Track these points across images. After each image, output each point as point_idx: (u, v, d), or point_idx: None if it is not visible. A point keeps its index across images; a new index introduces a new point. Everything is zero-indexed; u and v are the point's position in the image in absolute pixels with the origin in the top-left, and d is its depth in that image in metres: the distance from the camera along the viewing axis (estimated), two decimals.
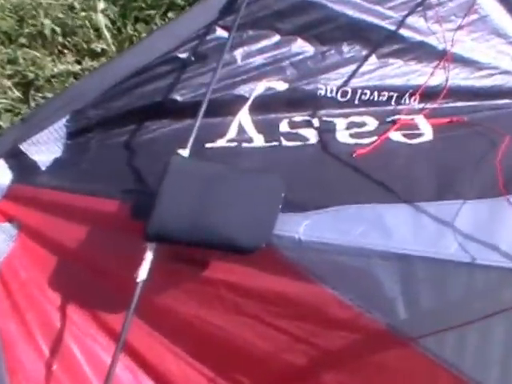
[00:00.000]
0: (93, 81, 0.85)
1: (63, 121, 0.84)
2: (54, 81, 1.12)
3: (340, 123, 0.83)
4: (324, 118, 0.83)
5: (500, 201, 0.66)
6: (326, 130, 0.82)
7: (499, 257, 0.62)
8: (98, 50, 1.10)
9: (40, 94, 1.13)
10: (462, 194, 0.69)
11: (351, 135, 0.82)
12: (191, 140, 0.71)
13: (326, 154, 0.80)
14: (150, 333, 0.75)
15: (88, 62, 1.12)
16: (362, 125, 0.83)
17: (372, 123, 0.83)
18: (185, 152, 0.71)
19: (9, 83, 1.14)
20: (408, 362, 0.66)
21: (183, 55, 0.83)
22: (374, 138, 0.81)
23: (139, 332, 0.72)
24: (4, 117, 1.11)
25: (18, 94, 1.14)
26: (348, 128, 0.82)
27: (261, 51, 0.85)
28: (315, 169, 0.78)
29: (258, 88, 0.83)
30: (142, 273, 0.65)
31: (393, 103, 0.85)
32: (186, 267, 0.71)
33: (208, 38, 0.84)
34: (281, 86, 0.83)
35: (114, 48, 1.10)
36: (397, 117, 0.83)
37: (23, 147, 0.83)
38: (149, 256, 0.66)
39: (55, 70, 1.13)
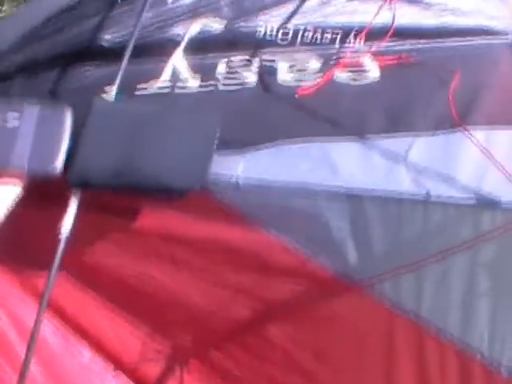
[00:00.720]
0: (11, 24, 0.76)
1: None
2: None
3: (281, 63, 0.77)
4: (264, 58, 0.77)
5: (454, 133, 0.59)
6: (267, 72, 0.76)
7: (456, 192, 0.55)
8: None
9: None
10: (414, 126, 0.64)
11: (293, 77, 0.75)
12: (117, 83, 0.66)
13: (267, 95, 0.74)
14: (81, 291, 0.69)
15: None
16: (305, 66, 0.76)
17: (315, 63, 0.77)
18: (109, 96, 0.65)
19: None
20: (361, 310, 0.61)
21: None
22: (317, 77, 0.75)
23: (68, 291, 0.67)
24: None
25: None
26: (290, 69, 0.76)
27: None
28: (255, 110, 0.72)
29: (192, 29, 0.75)
30: (66, 226, 0.58)
31: (337, 44, 0.78)
32: (116, 218, 0.66)
33: None
34: (216, 25, 0.76)
35: None
36: (341, 56, 0.77)
37: None
38: (73, 206, 0.59)
39: None
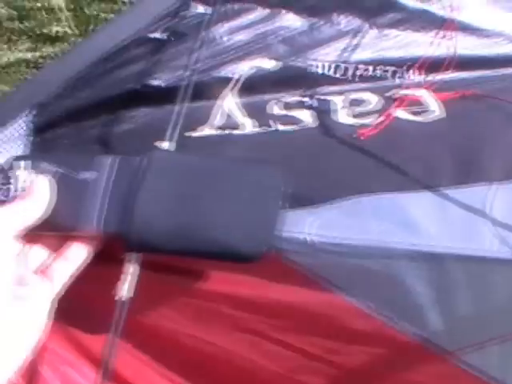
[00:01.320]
0: (56, 69, 0.73)
1: (28, 116, 0.72)
2: (12, 71, 0.97)
3: (338, 101, 0.73)
4: (319, 97, 0.73)
5: None
6: (323, 111, 0.72)
7: None
8: (58, 34, 0.95)
9: None
10: (489, 173, 0.60)
11: (352, 115, 0.72)
12: (170, 129, 0.62)
13: (327, 137, 0.69)
14: (137, 356, 0.64)
15: (48, 49, 0.97)
16: (362, 102, 0.73)
17: (372, 100, 0.73)
18: (165, 144, 0.61)
19: None
20: (443, 378, 0.56)
21: (157, 35, 0.72)
22: (377, 116, 0.71)
23: (124, 355, 0.62)
24: None
25: None
26: (347, 107, 0.72)
27: (245, 27, 0.74)
28: (317, 155, 0.67)
29: (244, 68, 0.72)
30: (124, 289, 0.54)
31: (392, 77, 0.75)
32: (176, 279, 0.61)
33: (183, 14, 0.73)
34: (269, 64, 0.73)
35: (76, 31, 0.96)
36: (399, 92, 0.73)
37: None
38: (130, 269, 0.55)
39: (11, 58, 0.98)
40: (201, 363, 0.62)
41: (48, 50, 1.00)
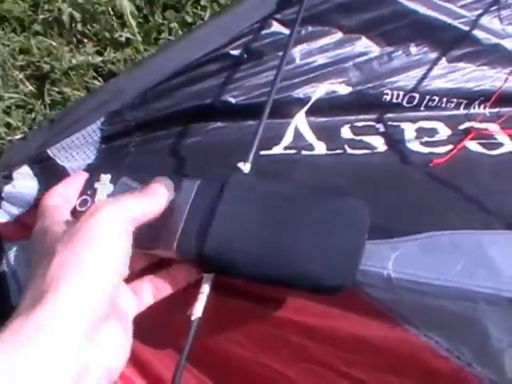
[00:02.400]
0: (131, 79, 0.73)
1: (97, 123, 0.70)
2: (73, 74, 0.96)
3: (408, 129, 0.72)
4: (391, 123, 0.72)
5: None
6: (395, 138, 0.71)
7: None
8: (122, 39, 0.94)
9: (56, 89, 0.99)
10: None
11: (423, 143, 0.71)
12: (252, 153, 0.59)
13: (400, 165, 0.68)
14: (199, 378, 0.62)
15: (111, 54, 0.96)
16: (433, 132, 0.72)
17: (443, 130, 0.72)
18: (247, 166, 0.58)
19: (21, 75, 1.00)
20: None
21: (235, 52, 0.72)
22: (449, 146, 0.70)
23: (187, 378, 0.60)
24: (15, 113, 0.97)
25: (31, 87, 1.00)
26: (418, 135, 0.71)
27: (322, 50, 0.73)
28: (391, 182, 0.66)
29: (319, 91, 0.71)
30: (199, 310, 0.52)
31: (464, 110, 0.74)
32: (244, 303, 0.58)
33: (263, 33, 0.72)
34: (343, 89, 0.72)
35: (139, 38, 0.95)
36: (471, 124, 0.72)
37: (51, 152, 0.70)
38: (205, 289, 0.52)
39: (73, 61, 0.98)
40: None
41: (111, 55, 0.98)
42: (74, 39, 1.03)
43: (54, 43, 1.02)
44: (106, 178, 0.59)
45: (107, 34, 1.02)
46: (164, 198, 0.53)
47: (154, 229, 0.53)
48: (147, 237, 0.53)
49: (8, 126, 0.96)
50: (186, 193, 0.56)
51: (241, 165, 0.58)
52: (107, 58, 1.00)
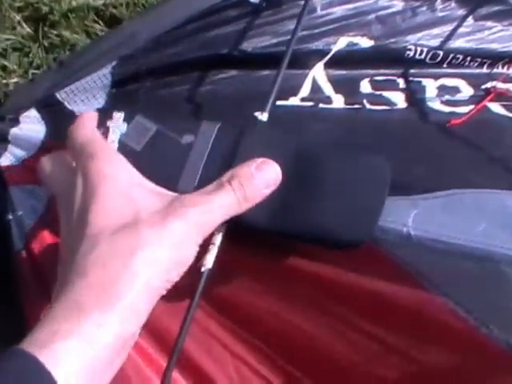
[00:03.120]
0: (145, 23, 0.73)
1: (108, 67, 0.70)
2: (72, 16, 0.95)
3: (430, 86, 0.72)
4: (412, 79, 0.72)
5: None
6: (416, 94, 0.71)
7: None
8: None
9: (54, 31, 0.98)
10: None
11: (444, 102, 0.70)
12: (270, 102, 0.58)
13: (421, 122, 0.68)
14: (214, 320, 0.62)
15: None
16: (455, 90, 0.72)
17: (465, 89, 0.72)
18: (264, 115, 0.57)
19: (18, 17, 0.99)
20: None
21: None
22: (470, 106, 0.70)
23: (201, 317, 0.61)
24: (12, 56, 0.96)
25: (28, 29, 0.99)
26: (439, 93, 0.71)
27: (344, 1, 0.72)
28: (411, 140, 0.66)
29: (340, 42, 0.71)
30: (210, 260, 0.51)
31: (488, 69, 0.74)
32: (263, 253, 0.58)
33: None
34: (365, 42, 0.71)
35: None
36: (494, 84, 0.72)
37: (60, 96, 0.70)
38: (217, 240, 0.52)
39: (73, 3, 0.96)
40: (277, 341, 0.61)
41: None
42: None
43: None
44: (118, 116, 0.57)
45: None
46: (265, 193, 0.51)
47: (170, 173, 0.53)
48: (161, 182, 0.52)
49: (4, 68, 0.95)
50: (204, 136, 0.55)
51: (258, 114, 0.57)
52: (108, 1, 0.99)
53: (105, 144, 0.53)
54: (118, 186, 0.48)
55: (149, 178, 0.51)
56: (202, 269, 0.51)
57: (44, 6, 1.01)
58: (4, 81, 0.92)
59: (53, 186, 0.53)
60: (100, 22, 0.99)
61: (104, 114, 0.57)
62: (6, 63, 0.97)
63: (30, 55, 1.00)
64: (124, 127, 0.56)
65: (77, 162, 0.50)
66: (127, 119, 0.57)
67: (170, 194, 0.50)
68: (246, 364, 0.63)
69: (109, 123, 0.57)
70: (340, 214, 0.53)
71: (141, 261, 0.44)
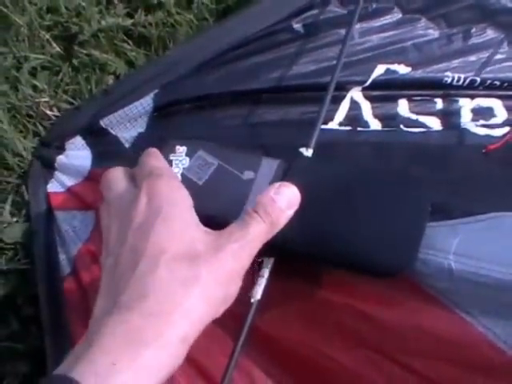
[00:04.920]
0: (187, 50, 0.80)
1: (151, 95, 0.78)
2: (102, 36, 1.03)
3: (466, 106, 0.78)
4: (448, 100, 0.79)
5: None
6: (451, 118, 0.78)
7: None
8: (154, 1, 1.01)
9: (84, 51, 1.04)
10: None
11: (480, 125, 0.77)
12: (314, 138, 0.64)
13: (456, 145, 0.74)
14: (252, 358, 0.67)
15: (141, 16, 1.03)
16: (490, 111, 0.78)
17: (500, 111, 0.78)
18: (309, 152, 0.63)
19: (48, 36, 1.05)
20: None
21: (297, 26, 0.79)
22: (506, 129, 0.76)
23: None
24: (41, 75, 1.02)
25: (58, 48, 1.05)
26: (475, 115, 0.78)
27: (381, 29, 0.80)
28: (447, 162, 0.72)
29: (377, 70, 0.78)
30: (259, 293, 0.57)
31: None
32: (299, 284, 0.64)
33: (322, 9, 0.79)
34: (402, 69, 0.78)
35: (171, 0, 1.02)
36: None
37: (104, 123, 0.79)
38: (265, 273, 0.58)
39: (103, 22, 1.04)
40: (317, 376, 0.65)
41: (142, 17, 1.05)
42: (104, 0, 1.10)
43: (83, 3, 1.06)
44: (181, 149, 0.62)
45: None
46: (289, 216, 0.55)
47: (230, 209, 0.58)
48: (222, 219, 0.56)
49: (34, 88, 1.03)
50: (264, 173, 0.61)
51: (303, 150, 0.63)
52: (138, 21, 1.08)
53: (173, 172, 0.58)
54: (182, 212, 0.52)
55: (210, 212, 0.56)
56: (252, 300, 0.57)
57: (73, 25, 1.09)
58: (36, 100, 1.00)
59: (111, 198, 0.56)
60: (129, 41, 1.07)
61: (166, 147, 0.62)
62: (35, 82, 1.05)
63: (60, 74, 1.08)
64: (186, 161, 0.62)
65: (143, 182, 0.52)
66: (189, 153, 0.62)
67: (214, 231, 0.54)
68: None
69: (171, 156, 0.62)
70: (379, 241, 0.58)
71: (198, 296, 0.48)
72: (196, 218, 0.52)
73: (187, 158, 0.62)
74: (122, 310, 0.46)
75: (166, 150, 0.62)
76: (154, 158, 0.57)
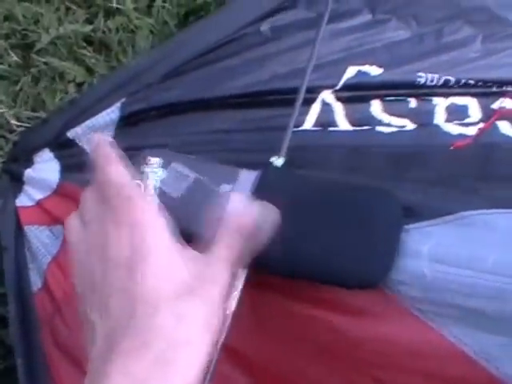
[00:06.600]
0: (153, 58, 0.84)
1: (117, 104, 0.82)
2: (60, 43, 1.08)
3: (440, 105, 0.82)
4: (420, 100, 0.82)
5: None
6: (425, 117, 0.81)
7: None
8: (113, 6, 1.06)
9: (43, 59, 1.07)
10: None
11: (453, 124, 0.80)
12: (285, 147, 0.68)
13: (428, 144, 0.78)
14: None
15: (101, 22, 1.08)
16: (464, 110, 0.81)
17: (475, 109, 0.82)
18: (280, 160, 0.66)
19: (5, 45, 1.09)
20: None
21: (265, 28, 0.83)
22: (477, 126, 0.79)
23: None
24: (0, 86, 1.07)
25: (15, 58, 1.08)
26: (449, 114, 0.81)
27: (350, 30, 0.84)
28: (420, 162, 0.75)
29: (349, 72, 0.81)
30: (233, 305, 0.59)
31: (495, 89, 0.84)
32: (266, 296, 0.66)
33: (289, 12, 0.84)
34: (374, 70, 0.82)
35: (131, 5, 1.07)
36: (502, 103, 0.81)
37: (71, 134, 0.82)
38: (240, 285, 0.59)
39: (61, 30, 1.08)
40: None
41: (102, 23, 1.10)
42: (63, 6, 1.14)
43: (41, 10, 1.11)
44: (155, 162, 0.62)
45: (98, 1, 1.15)
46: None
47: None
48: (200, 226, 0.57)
49: None
50: (242, 185, 0.63)
51: (274, 159, 0.66)
52: (97, 27, 1.12)
53: (138, 188, 0.57)
54: (163, 240, 0.53)
55: (186, 226, 0.57)
56: (227, 311, 0.57)
57: (31, 33, 1.13)
58: None
59: (83, 233, 0.56)
60: (89, 47, 1.11)
61: (139, 159, 0.63)
62: None
63: (19, 84, 1.12)
64: (161, 173, 0.62)
65: (113, 205, 0.52)
66: (164, 165, 0.64)
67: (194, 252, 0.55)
68: None
69: (146, 168, 0.62)
70: (353, 253, 0.60)
71: (201, 331, 0.49)
72: (173, 240, 0.53)
73: (162, 170, 0.63)
74: (124, 359, 0.46)
75: (139, 162, 0.62)
76: (114, 170, 0.55)
